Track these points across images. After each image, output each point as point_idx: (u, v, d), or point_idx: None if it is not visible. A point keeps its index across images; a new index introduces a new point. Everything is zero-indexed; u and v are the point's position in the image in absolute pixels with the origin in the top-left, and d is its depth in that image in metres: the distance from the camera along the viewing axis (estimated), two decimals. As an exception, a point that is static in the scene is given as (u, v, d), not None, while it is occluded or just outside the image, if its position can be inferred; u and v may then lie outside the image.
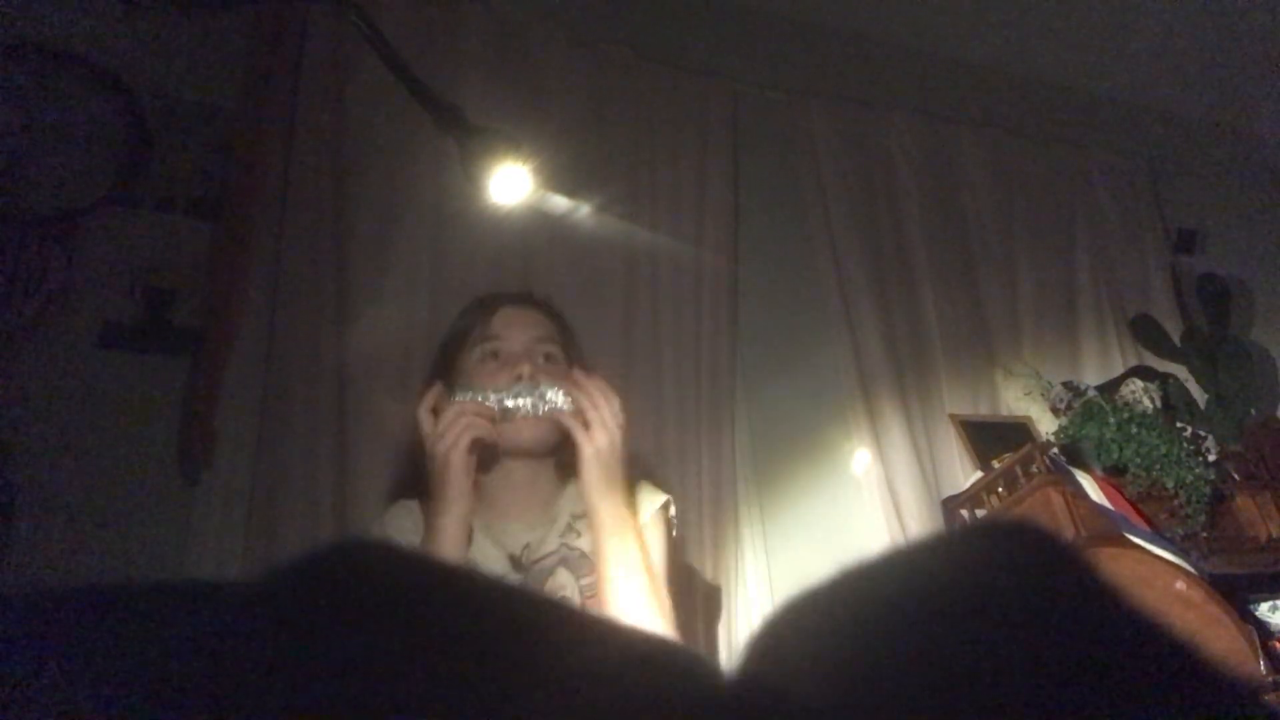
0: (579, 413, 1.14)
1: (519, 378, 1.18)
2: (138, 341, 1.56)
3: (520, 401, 1.15)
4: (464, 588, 0.26)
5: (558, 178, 1.91)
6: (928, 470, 2.05)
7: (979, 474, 1.94)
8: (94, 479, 1.46)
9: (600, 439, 1.12)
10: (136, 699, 0.20)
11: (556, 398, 1.16)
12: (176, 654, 0.21)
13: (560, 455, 1.26)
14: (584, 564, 1.18)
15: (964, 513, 1.92)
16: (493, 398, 1.15)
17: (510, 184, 1.51)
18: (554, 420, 1.19)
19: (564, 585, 1.16)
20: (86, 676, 0.21)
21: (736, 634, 1.71)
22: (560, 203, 1.93)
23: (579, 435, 1.13)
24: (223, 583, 0.26)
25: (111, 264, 1.59)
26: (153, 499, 1.48)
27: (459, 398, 1.15)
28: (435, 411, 1.15)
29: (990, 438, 2.06)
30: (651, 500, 1.26)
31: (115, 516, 1.45)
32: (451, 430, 1.10)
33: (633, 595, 1.09)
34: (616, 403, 1.15)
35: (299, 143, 1.77)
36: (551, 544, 1.20)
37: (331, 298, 1.68)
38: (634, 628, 0.26)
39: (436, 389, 1.17)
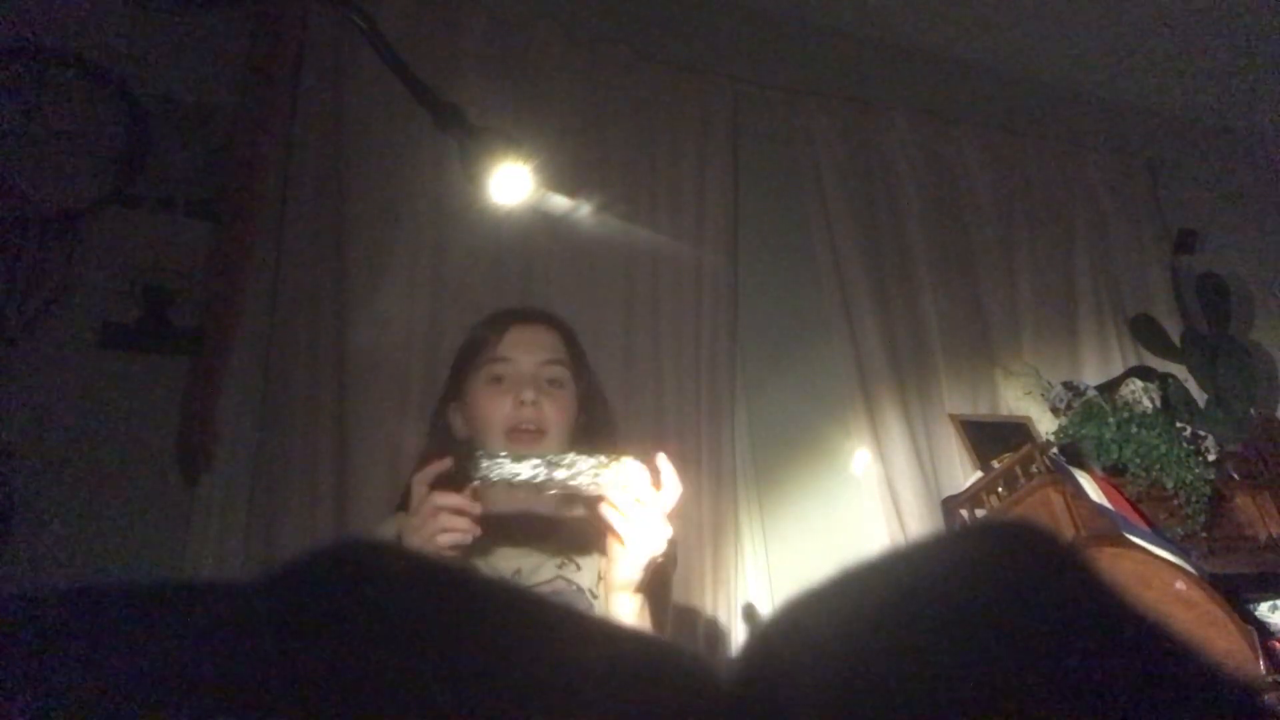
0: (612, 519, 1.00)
1: (521, 403, 1.16)
2: (138, 341, 1.56)
3: (535, 475, 0.99)
4: (465, 588, 0.26)
5: (558, 178, 1.91)
6: (928, 470, 2.05)
7: (979, 474, 1.94)
8: (94, 479, 1.45)
9: (652, 546, 0.99)
10: (137, 698, 0.20)
11: (580, 475, 1.00)
12: (176, 654, 0.21)
13: None
14: (581, 599, 1.13)
15: (964, 513, 1.92)
16: (494, 469, 0.99)
17: (510, 184, 1.51)
18: (558, 440, 1.14)
19: None
20: (87, 676, 0.21)
21: (736, 634, 1.71)
22: (560, 203, 1.93)
23: (617, 551, 1.00)
24: (223, 583, 0.26)
25: (111, 264, 1.59)
26: (153, 499, 1.48)
27: (479, 458, 1.00)
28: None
29: (990, 438, 2.07)
30: None
31: (115, 516, 1.44)
32: (425, 529, 0.98)
33: None
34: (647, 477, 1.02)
35: (299, 143, 1.77)
36: (547, 573, 1.15)
37: (331, 298, 1.68)
38: (634, 630, 0.26)
39: (438, 466, 1.03)
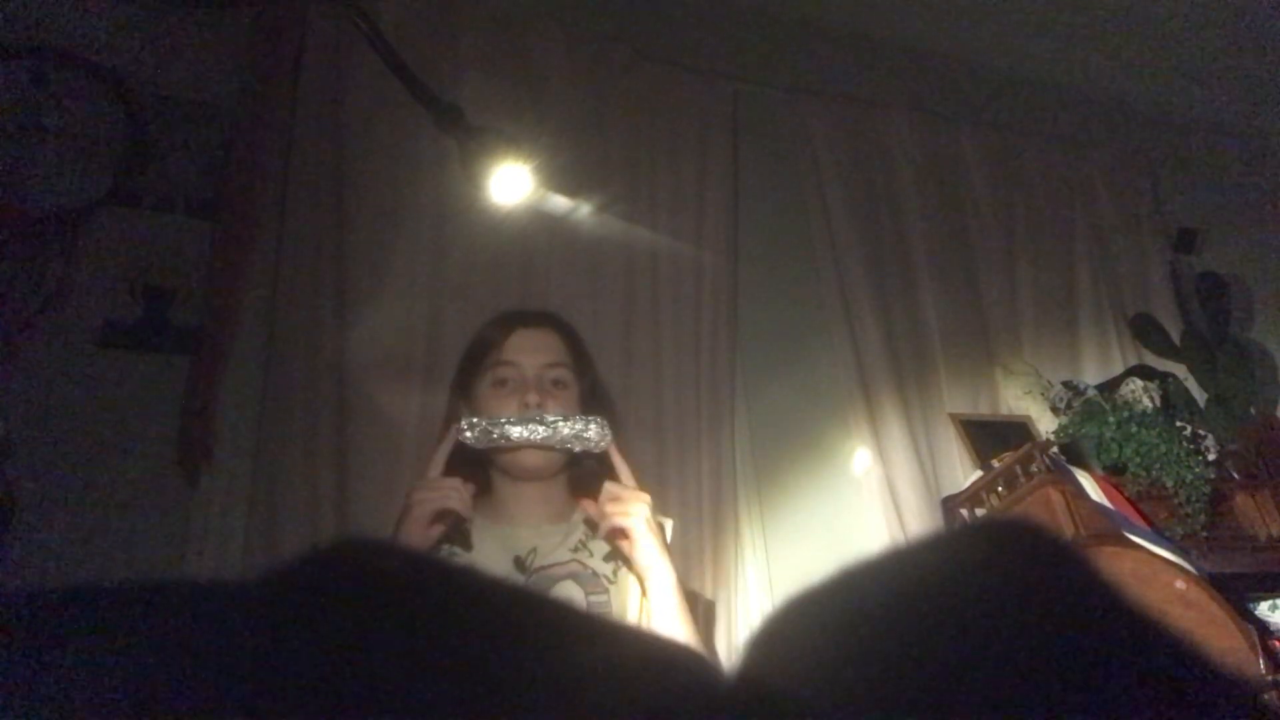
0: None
1: (526, 406, 1.21)
2: (137, 341, 1.56)
3: (528, 431, 1.18)
4: (465, 587, 0.26)
5: (558, 178, 1.91)
6: (928, 469, 2.05)
7: (979, 473, 1.94)
8: (94, 479, 1.45)
9: (636, 521, 1.15)
10: (137, 699, 0.20)
11: (572, 428, 1.18)
12: (177, 654, 0.21)
13: (572, 472, 1.28)
14: (596, 582, 1.18)
15: (964, 512, 1.92)
16: (500, 426, 1.17)
17: (510, 184, 1.51)
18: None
19: (572, 598, 1.15)
20: (87, 676, 0.21)
21: (736, 634, 1.71)
22: (560, 203, 1.93)
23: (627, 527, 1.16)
24: (223, 583, 0.26)
25: (111, 264, 1.59)
26: (153, 499, 1.48)
27: (467, 422, 1.18)
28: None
29: (990, 437, 2.06)
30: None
31: (115, 516, 1.44)
32: (427, 497, 1.12)
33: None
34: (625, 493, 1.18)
35: (299, 143, 1.76)
36: (561, 555, 1.19)
37: (331, 298, 1.67)
38: (634, 628, 0.26)
39: (446, 447, 1.19)
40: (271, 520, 1.49)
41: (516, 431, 1.16)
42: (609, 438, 1.19)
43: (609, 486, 1.17)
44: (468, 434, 1.16)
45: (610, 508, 1.15)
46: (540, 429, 1.17)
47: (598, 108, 2.10)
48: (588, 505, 1.20)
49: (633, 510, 1.15)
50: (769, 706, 0.24)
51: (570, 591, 1.16)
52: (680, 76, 2.26)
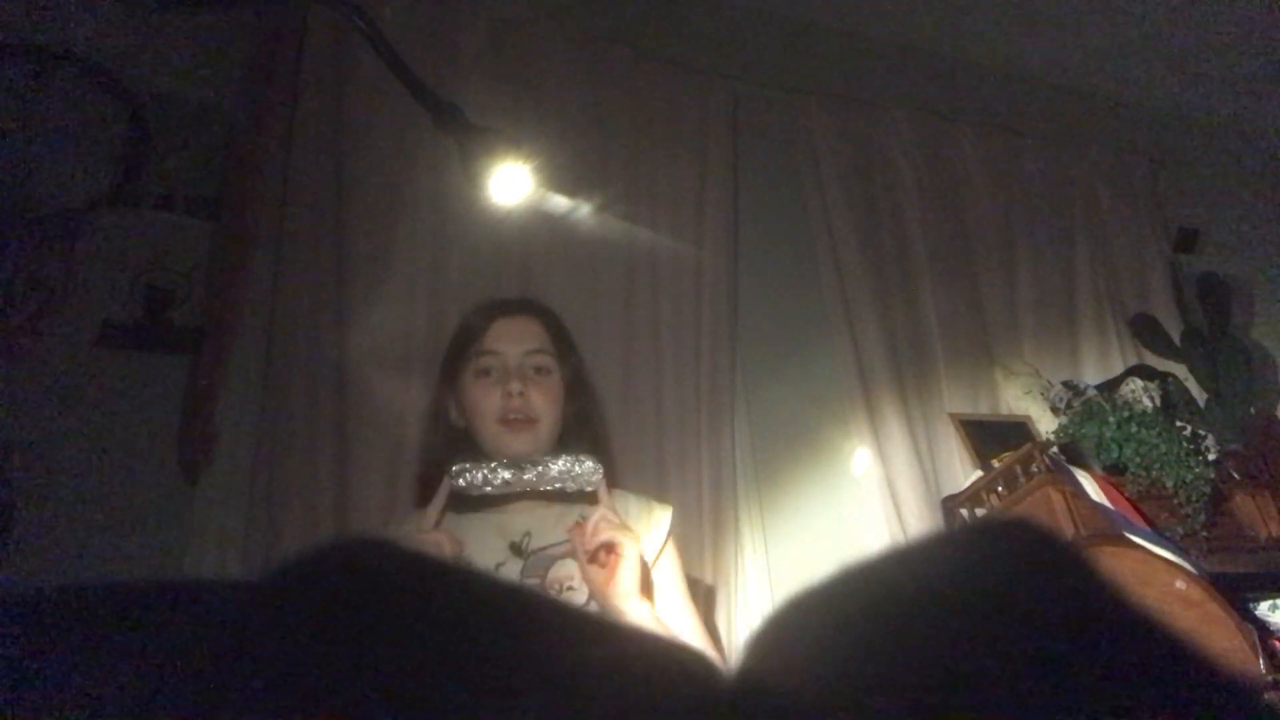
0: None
1: (509, 395, 1.21)
2: (137, 341, 1.56)
3: (518, 474, 1.17)
4: (464, 587, 0.26)
5: (558, 178, 1.91)
6: (928, 469, 2.05)
7: (979, 473, 1.94)
8: (94, 479, 1.45)
9: (626, 578, 1.10)
10: (136, 699, 0.20)
11: (562, 467, 1.17)
12: (176, 654, 0.21)
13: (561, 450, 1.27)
14: None
15: (964, 512, 1.92)
16: (490, 470, 1.16)
17: (510, 184, 1.51)
18: (549, 426, 1.24)
19: (572, 575, 1.15)
20: (87, 676, 0.21)
21: (736, 634, 1.71)
22: (560, 203, 1.93)
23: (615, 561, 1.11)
24: (223, 583, 0.26)
25: (111, 264, 1.59)
26: (153, 499, 1.48)
27: (459, 469, 1.16)
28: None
29: (990, 437, 2.06)
30: (660, 519, 1.27)
31: (115, 516, 1.44)
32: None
33: None
34: (605, 532, 1.13)
35: (299, 143, 1.77)
36: (557, 535, 1.20)
37: (331, 298, 1.67)
38: (634, 627, 0.26)
39: (439, 505, 1.17)
40: (271, 520, 1.49)
41: (506, 475, 1.16)
42: (599, 476, 1.17)
43: (605, 511, 1.14)
44: (459, 482, 1.16)
45: (604, 529, 1.12)
46: (530, 470, 1.17)
47: (598, 108, 2.10)
48: (574, 534, 1.16)
49: (625, 541, 1.11)
50: (770, 706, 0.24)
51: (570, 570, 1.15)
52: (680, 76, 2.26)
